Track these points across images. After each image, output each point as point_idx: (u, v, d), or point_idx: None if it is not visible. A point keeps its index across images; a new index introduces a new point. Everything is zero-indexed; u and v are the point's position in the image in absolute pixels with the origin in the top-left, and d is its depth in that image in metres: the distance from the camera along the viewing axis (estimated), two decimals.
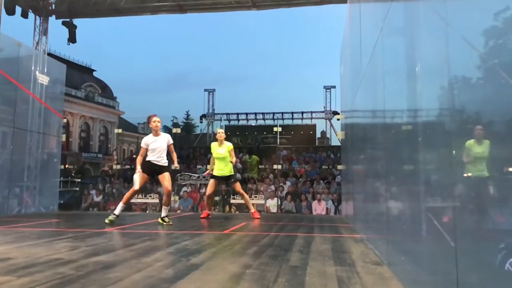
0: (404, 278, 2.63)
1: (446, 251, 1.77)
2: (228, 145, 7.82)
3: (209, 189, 7.95)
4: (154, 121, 6.71)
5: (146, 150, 6.75)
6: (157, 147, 6.71)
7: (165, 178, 6.71)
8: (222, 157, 7.82)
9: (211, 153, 8.08)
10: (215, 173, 7.96)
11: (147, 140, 6.77)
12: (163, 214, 6.69)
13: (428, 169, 2.27)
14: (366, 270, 3.04)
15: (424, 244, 2.25)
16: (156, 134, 6.78)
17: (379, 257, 3.58)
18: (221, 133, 7.93)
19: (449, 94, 1.80)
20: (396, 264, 2.97)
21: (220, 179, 8.05)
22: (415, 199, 2.50)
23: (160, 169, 6.74)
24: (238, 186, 8.04)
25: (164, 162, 6.78)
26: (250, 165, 15.12)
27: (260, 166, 16.35)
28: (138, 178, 6.60)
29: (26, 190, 10.46)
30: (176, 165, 7.14)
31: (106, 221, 6.56)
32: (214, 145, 7.97)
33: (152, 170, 6.75)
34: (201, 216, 8.03)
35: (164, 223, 6.51)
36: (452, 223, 1.77)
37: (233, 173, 8.11)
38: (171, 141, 6.90)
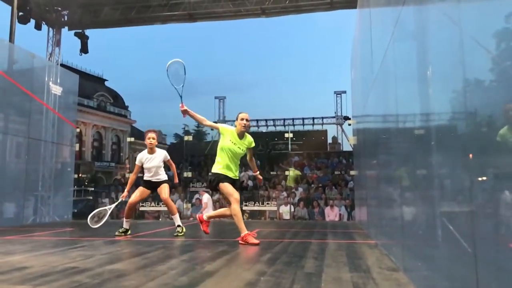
0: (421, 284, 2.60)
1: (464, 257, 1.75)
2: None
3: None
4: (149, 138, 6.40)
5: (140, 167, 6.51)
6: (152, 166, 6.43)
7: (162, 190, 6.48)
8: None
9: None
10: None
11: (142, 158, 6.48)
12: (177, 223, 6.43)
13: (442, 173, 2.24)
14: (382, 276, 3.01)
15: (441, 250, 2.23)
16: (151, 152, 6.47)
17: (394, 263, 3.55)
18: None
19: (462, 97, 1.79)
20: (412, 270, 2.94)
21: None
22: (430, 204, 2.47)
23: (159, 184, 6.53)
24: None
25: (162, 178, 6.55)
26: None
27: (272, 173, 16.35)
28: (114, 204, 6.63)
29: (41, 199, 10.58)
30: (176, 181, 6.92)
31: (116, 233, 6.39)
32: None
33: (151, 187, 6.54)
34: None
35: (179, 234, 6.26)
36: (469, 228, 1.75)
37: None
38: (168, 157, 6.58)
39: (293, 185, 14.32)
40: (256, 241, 5.00)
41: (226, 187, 5.25)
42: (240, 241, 5.07)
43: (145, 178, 6.55)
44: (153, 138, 6.43)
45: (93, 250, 4.55)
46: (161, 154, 6.53)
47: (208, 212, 12.05)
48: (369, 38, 5.12)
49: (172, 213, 6.51)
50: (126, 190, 6.58)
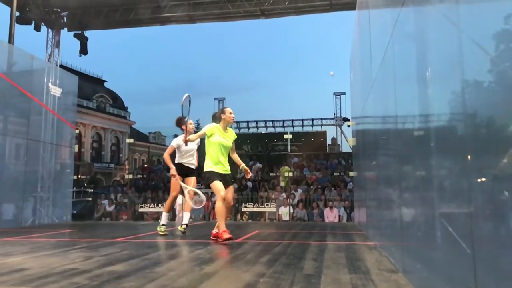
0: (420, 285, 2.59)
1: (463, 258, 1.75)
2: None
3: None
4: (190, 124, 6.51)
5: (174, 150, 6.66)
6: (190, 148, 6.63)
7: (193, 183, 6.61)
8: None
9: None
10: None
11: (179, 142, 6.59)
12: (186, 221, 6.53)
13: (441, 174, 2.24)
14: (381, 277, 3.01)
15: (441, 251, 2.23)
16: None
17: (393, 265, 3.54)
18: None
19: (461, 98, 1.79)
20: (411, 271, 2.94)
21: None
22: (429, 205, 2.47)
23: (190, 172, 6.71)
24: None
25: (193, 165, 6.77)
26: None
27: (271, 174, 16.34)
28: (175, 182, 6.50)
29: (40, 200, 10.56)
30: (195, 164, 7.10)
31: (160, 233, 6.45)
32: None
33: (183, 173, 6.66)
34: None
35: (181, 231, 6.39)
36: (468, 229, 1.75)
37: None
38: (199, 143, 6.76)
39: (285, 184, 14.27)
40: (229, 236, 5.20)
41: (215, 185, 5.45)
42: (212, 237, 5.36)
43: (176, 161, 6.67)
44: (192, 124, 6.76)
45: (92, 252, 4.54)
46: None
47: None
48: (368, 39, 5.13)
49: (187, 209, 6.58)
50: (172, 168, 6.53)
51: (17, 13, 12.28)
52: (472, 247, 1.67)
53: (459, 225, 1.91)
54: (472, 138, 1.71)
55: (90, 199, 15.81)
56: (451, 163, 2.07)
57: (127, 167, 32.31)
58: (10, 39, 11.05)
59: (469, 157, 1.72)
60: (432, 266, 2.40)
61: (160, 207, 12.46)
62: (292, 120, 26.88)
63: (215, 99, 27.65)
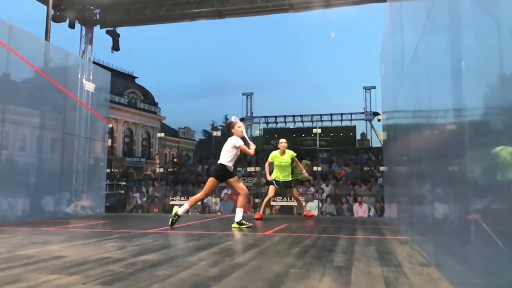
0: (454, 279, 2.56)
1: (500, 254, 1.72)
2: (291, 153, 8.64)
3: (271, 193, 8.65)
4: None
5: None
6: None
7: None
8: (285, 164, 8.54)
9: (270, 161, 8.71)
10: (278, 178, 8.55)
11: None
12: (238, 218, 6.45)
13: (475, 170, 2.21)
14: (413, 271, 2.99)
15: (476, 247, 2.19)
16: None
17: (426, 259, 3.50)
18: (283, 143, 8.65)
19: (496, 92, 1.76)
20: (444, 265, 2.90)
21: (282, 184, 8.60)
22: (462, 201, 2.44)
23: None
24: (295, 192, 8.78)
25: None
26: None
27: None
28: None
29: (75, 193, 10.90)
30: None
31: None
32: (275, 154, 8.62)
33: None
34: (255, 216, 8.32)
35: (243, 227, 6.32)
36: (507, 226, 1.72)
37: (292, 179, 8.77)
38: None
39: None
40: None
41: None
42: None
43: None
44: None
45: (125, 242, 4.67)
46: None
47: None
48: (400, 31, 5.04)
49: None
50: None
51: (53, 11, 12.64)
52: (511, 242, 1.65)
53: (496, 221, 1.88)
54: (508, 132, 1.68)
55: (123, 192, 16.22)
56: (486, 158, 2.04)
57: (157, 161, 32.84)
58: (47, 36, 11.39)
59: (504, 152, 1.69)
60: (467, 261, 2.37)
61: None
62: (321, 115, 26.67)
63: (243, 94, 27.74)
